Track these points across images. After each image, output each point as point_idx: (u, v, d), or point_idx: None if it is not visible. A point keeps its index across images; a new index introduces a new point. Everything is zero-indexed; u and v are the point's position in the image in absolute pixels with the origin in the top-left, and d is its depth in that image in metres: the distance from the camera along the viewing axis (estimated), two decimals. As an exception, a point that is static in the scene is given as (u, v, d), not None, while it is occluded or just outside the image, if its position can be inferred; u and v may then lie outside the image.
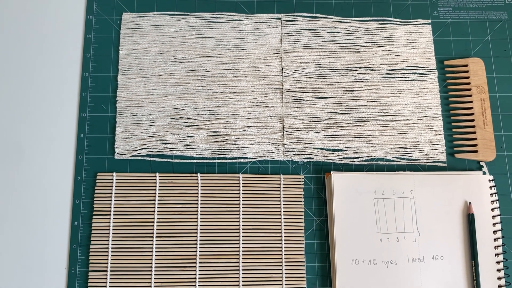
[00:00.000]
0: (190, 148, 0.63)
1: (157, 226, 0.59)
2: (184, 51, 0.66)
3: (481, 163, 0.63)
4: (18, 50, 0.66)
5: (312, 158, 0.63)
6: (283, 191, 0.61)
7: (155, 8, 0.68)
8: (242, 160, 0.63)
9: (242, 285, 0.58)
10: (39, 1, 0.68)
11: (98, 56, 0.66)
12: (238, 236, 0.59)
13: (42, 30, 0.67)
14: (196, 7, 0.68)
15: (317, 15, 0.69)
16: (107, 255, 0.58)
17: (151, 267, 0.58)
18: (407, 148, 0.64)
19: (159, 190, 0.60)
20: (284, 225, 0.60)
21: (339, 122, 0.64)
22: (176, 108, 0.64)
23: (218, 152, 0.63)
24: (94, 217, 0.59)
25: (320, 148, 0.63)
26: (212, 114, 0.64)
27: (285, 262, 0.59)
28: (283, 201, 0.61)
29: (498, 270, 0.58)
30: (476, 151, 0.63)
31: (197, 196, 0.60)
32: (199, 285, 0.57)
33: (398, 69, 0.67)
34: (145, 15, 0.67)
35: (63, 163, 0.62)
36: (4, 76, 0.65)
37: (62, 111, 0.64)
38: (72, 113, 0.64)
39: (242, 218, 0.60)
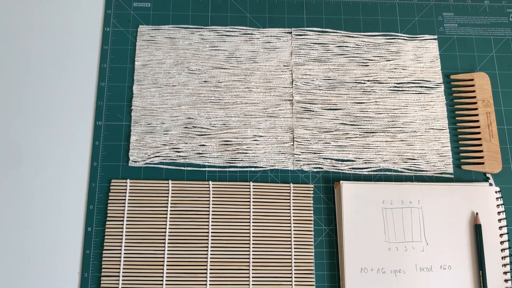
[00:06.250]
0: (202, 156, 0.64)
1: (169, 232, 0.60)
2: (198, 62, 0.68)
3: (488, 175, 0.64)
4: (38, 59, 0.68)
5: (322, 168, 0.64)
6: (293, 200, 0.62)
7: (170, 21, 0.70)
8: (252, 169, 0.64)
9: (252, 292, 0.59)
10: (59, 13, 0.70)
11: (114, 66, 0.68)
12: (249, 243, 0.60)
13: (61, 41, 0.69)
14: (209, 21, 0.71)
15: (326, 29, 0.71)
16: (120, 261, 0.59)
17: (162, 272, 0.59)
18: (414, 159, 0.65)
19: (171, 197, 0.62)
20: (294, 234, 0.61)
21: (348, 133, 0.66)
22: (189, 118, 0.66)
23: (230, 161, 0.64)
24: (107, 223, 0.61)
25: (329, 158, 0.65)
26: (224, 124, 0.65)
27: (294, 270, 0.60)
28: (293, 209, 0.62)
29: (506, 281, 0.59)
30: (482, 163, 0.65)
31: (209, 204, 0.62)
32: (209, 291, 0.58)
33: (405, 83, 0.69)
34: (160, 28, 0.70)
35: (78, 169, 0.63)
36: (24, 84, 0.67)
37: (79, 119, 0.65)
38: (88, 121, 0.65)
39: (253, 226, 0.61)
